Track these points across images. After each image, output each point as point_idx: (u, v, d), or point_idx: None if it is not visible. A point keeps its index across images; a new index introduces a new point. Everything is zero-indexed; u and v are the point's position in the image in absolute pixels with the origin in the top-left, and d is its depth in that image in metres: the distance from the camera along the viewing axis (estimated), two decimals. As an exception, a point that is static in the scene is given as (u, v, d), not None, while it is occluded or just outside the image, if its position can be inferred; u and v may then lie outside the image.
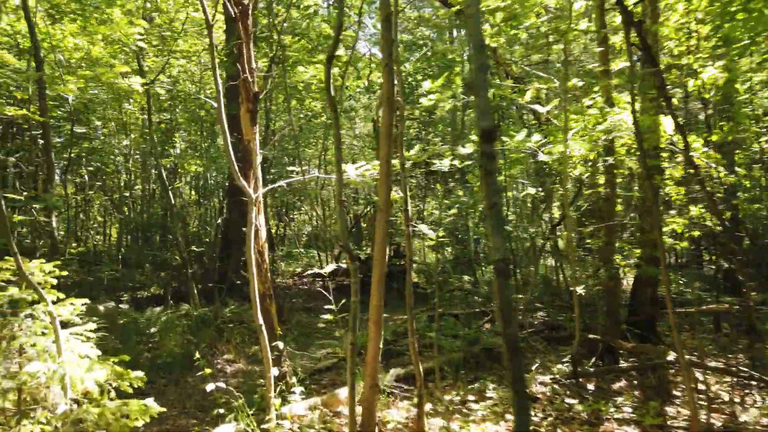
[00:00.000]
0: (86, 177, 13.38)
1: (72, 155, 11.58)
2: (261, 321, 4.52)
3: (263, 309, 5.27)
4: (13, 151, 9.67)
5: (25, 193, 6.31)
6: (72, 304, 3.19)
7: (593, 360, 6.63)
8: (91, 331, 3.23)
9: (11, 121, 9.31)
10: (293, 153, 12.38)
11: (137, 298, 10.61)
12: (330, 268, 4.70)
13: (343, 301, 4.69)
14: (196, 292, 8.73)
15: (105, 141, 13.35)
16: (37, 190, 8.96)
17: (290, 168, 5.54)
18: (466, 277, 15.23)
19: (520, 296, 11.61)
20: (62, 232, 12.77)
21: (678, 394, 6.10)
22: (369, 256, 14.80)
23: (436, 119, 13.57)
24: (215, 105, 4.68)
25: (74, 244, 16.74)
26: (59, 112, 12.02)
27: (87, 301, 3.36)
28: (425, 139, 13.30)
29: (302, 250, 20.10)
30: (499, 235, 1.99)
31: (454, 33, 16.99)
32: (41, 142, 9.59)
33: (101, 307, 8.14)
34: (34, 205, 6.30)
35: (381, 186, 4.25)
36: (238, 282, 10.95)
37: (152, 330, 7.23)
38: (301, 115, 11.71)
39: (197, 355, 4.33)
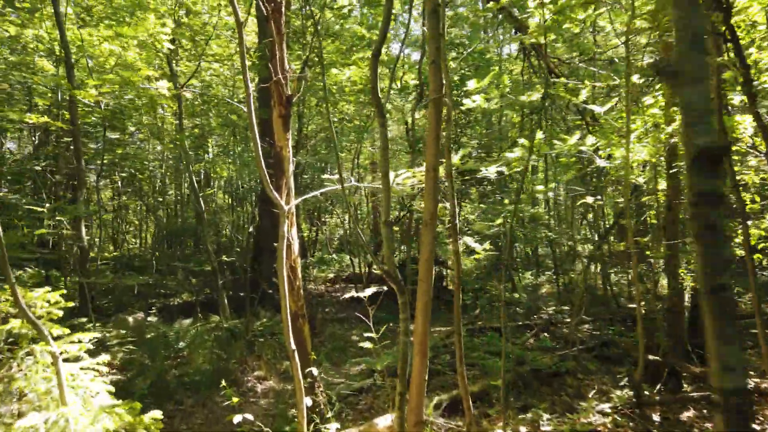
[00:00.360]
0: (119, 183, 13.35)
1: (105, 161, 11.52)
2: (293, 345, 4.11)
3: (295, 330, 4.88)
4: (48, 158, 9.59)
5: (47, 204, 6.10)
6: (79, 340, 2.84)
7: (658, 386, 6.00)
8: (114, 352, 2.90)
9: (47, 128, 9.23)
10: (326, 158, 12.02)
11: (169, 306, 10.43)
12: (369, 291, 4.24)
13: (384, 326, 4.23)
14: (226, 302, 8.43)
15: (139, 147, 13.31)
16: (75, 197, 8.83)
17: (324, 176, 5.14)
18: (502, 286, 14.57)
19: (565, 307, 10.97)
20: (97, 239, 12.75)
21: (757, 428, 5.42)
22: (402, 262, 14.32)
23: (473, 122, 12.99)
24: (245, 109, 4.31)
25: (111, 248, 16.86)
26: (93, 118, 11.99)
27: (96, 335, 3.01)
28: (461, 142, 12.75)
29: (334, 256, 19.79)
30: (731, 341, 1.27)
31: (489, 32, 16.38)
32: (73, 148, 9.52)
33: (130, 319, 7.94)
34: (58, 217, 6.09)
35: (427, 197, 3.79)
36: (270, 291, 10.65)
37: (181, 344, 6.95)
38: (335, 119, 11.35)
39: (223, 383, 3.95)
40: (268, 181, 4.25)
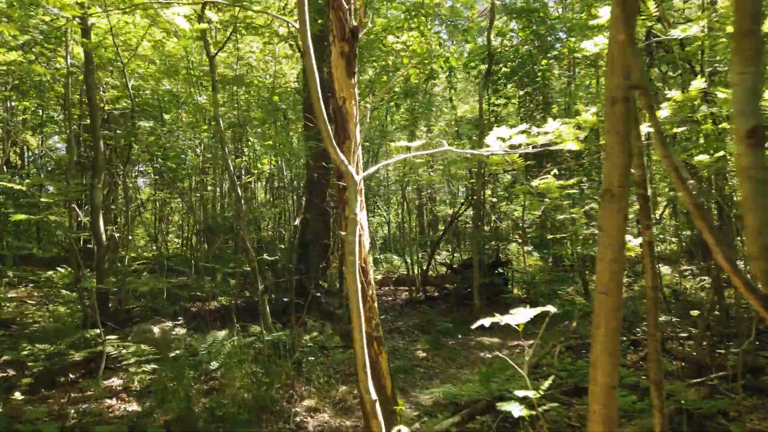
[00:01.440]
0: (151, 174, 12.26)
1: (136, 150, 10.41)
2: (374, 394, 2.57)
3: (371, 363, 3.34)
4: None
5: (26, 180, 4.89)
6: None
7: None
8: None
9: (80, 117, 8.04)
10: (383, 134, 10.51)
11: (203, 311, 9.16)
12: (526, 314, 2.66)
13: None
14: (268, 310, 7.02)
15: (177, 137, 12.23)
16: (92, 184, 7.63)
17: (402, 142, 3.76)
18: (567, 288, 12.64)
19: (674, 318, 9.02)
20: (131, 236, 11.67)
21: None
22: (466, 263, 12.64)
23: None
24: (295, 24, 2.82)
25: (153, 247, 15.89)
26: (124, 104, 10.93)
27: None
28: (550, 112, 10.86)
29: (382, 256, 18.40)
30: None
31: None
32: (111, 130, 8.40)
33: (155, 329, 6.63)
34: (44, 199, 4.83)
35: (611, 150, 2.18)
36: (318, 295, 9.23)
37: (213, 364, 5.56)
38: (397, 88, 9.87)
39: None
40: (331, 136, 2.73)
